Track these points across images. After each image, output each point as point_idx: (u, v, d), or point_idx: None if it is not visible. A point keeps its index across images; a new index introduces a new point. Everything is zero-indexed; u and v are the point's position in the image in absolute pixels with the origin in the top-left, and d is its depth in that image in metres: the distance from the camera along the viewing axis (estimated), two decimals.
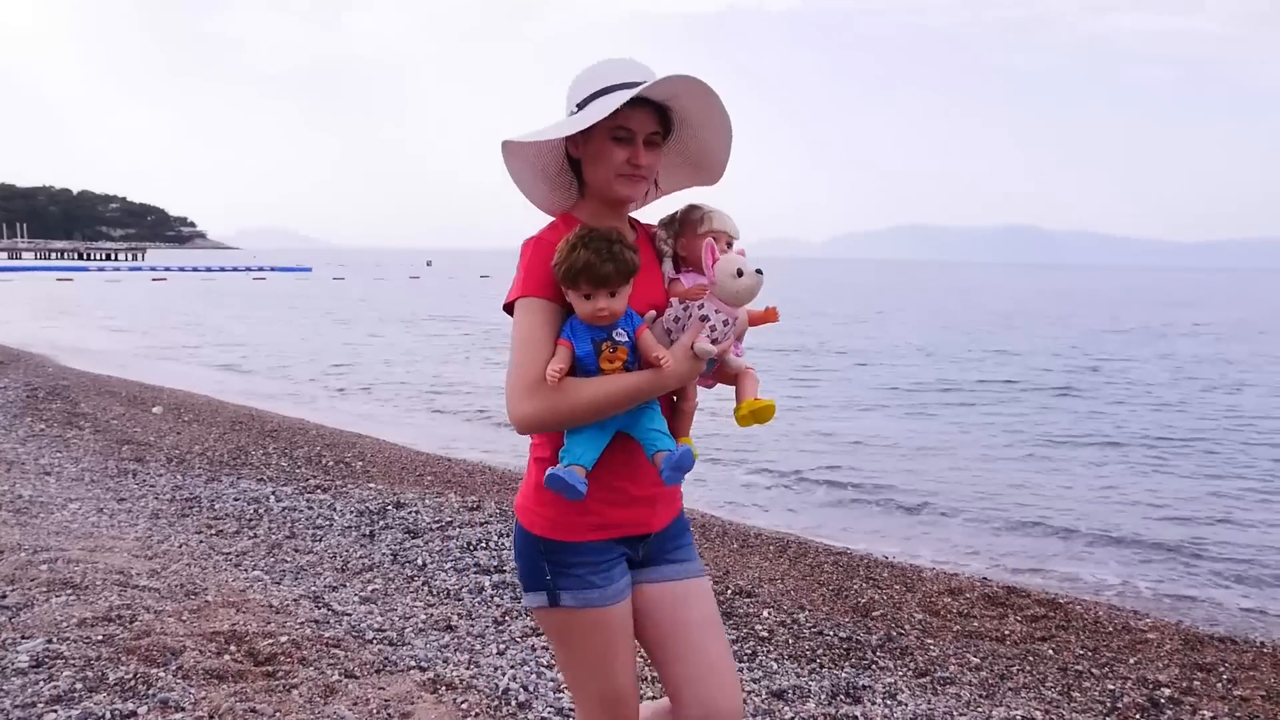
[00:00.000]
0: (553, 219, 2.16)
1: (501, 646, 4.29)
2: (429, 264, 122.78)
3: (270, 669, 3.75)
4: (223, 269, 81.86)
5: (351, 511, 6.58)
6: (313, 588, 4.97)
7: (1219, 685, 4.35)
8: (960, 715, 3.84)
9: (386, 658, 4.03)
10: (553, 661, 4.14)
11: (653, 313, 2.02)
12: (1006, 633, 4.90)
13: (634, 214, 2.27)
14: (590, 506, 1.98)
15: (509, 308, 2.01)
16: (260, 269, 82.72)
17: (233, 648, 3.90)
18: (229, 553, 5.57)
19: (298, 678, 3.65)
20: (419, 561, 5.52)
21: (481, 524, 6.32)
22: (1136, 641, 4.88)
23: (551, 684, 3.88)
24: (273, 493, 7.14)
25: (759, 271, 1.94)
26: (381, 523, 6.33)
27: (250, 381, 16.54)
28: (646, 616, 2.12)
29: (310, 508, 6.71)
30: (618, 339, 1.93)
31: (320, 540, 5.93)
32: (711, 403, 2.51)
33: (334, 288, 54.91)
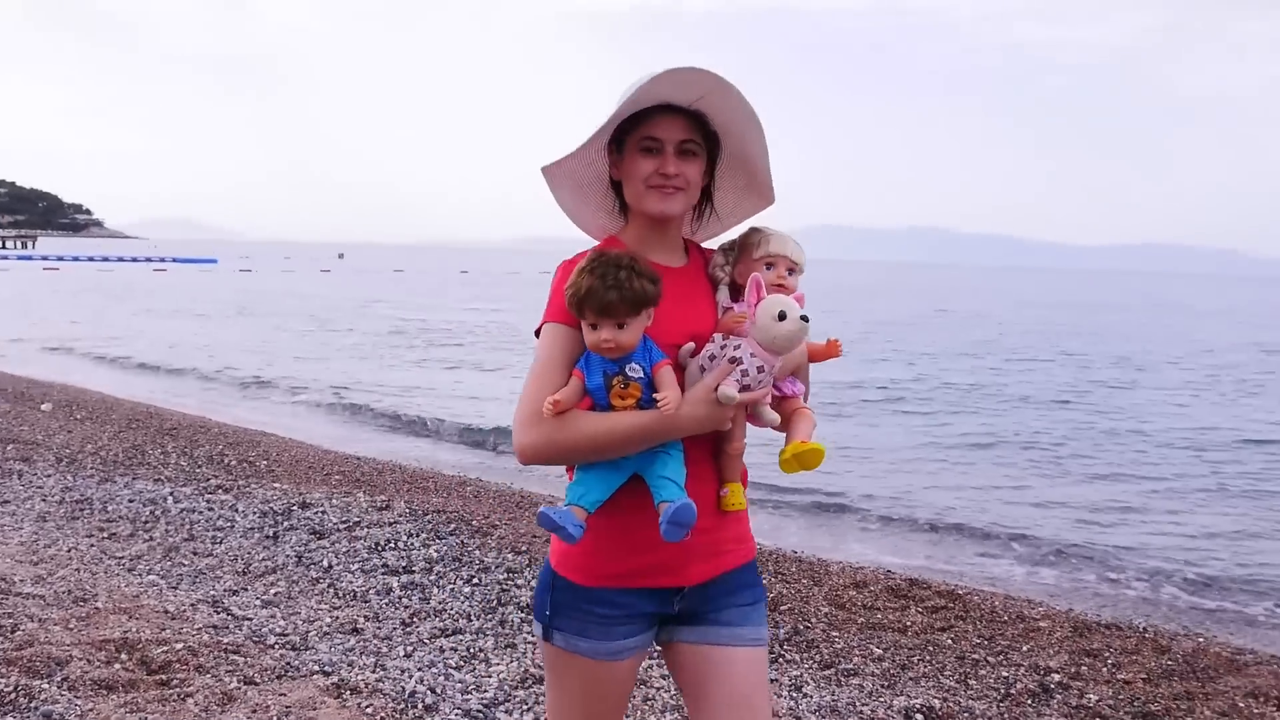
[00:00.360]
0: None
1: (409, 648, 4.23)
2: (340, 257, 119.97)
3: (164, 678, 3.62)
4: (121, 259, 78.54)
5: (254, 512, 6.40)
6: (211, 592, 4.82)
7: (1104, 669, 4.56)
8: (863, 705, 3.94)
9: (288, 663, 3.93)
10: (461, 663, 4.11)
11: (690, 345, 1.87)
12: (908, 624, 5.05)
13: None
14: (608, 551, 1.87)
15: (539, 332, 1.92)
16: (162, 260, 79.64)
17: (124, 656, 3.75)
18: (122, 557, 5.36)
19: (193, 686, 3.53)
20: (325, 563, 5.40)
21: (390, 524, 6.21)
22: (1030, 630, 5.08)
23: (459, 685, 3.84)
24: (171, 493, 6.88)
25: (804, 318, 1.78)
26: (286, 524, 6.16)
27: (148, 377, 15.92)
28: (680, 675, 2.00)
29: (211, 509, 6.49)
30: (630, 374, 1.79)
31: (221, 542, 5.74)
32: None
33: (240, 280, 53.20)
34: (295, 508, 6.54)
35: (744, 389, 1.79)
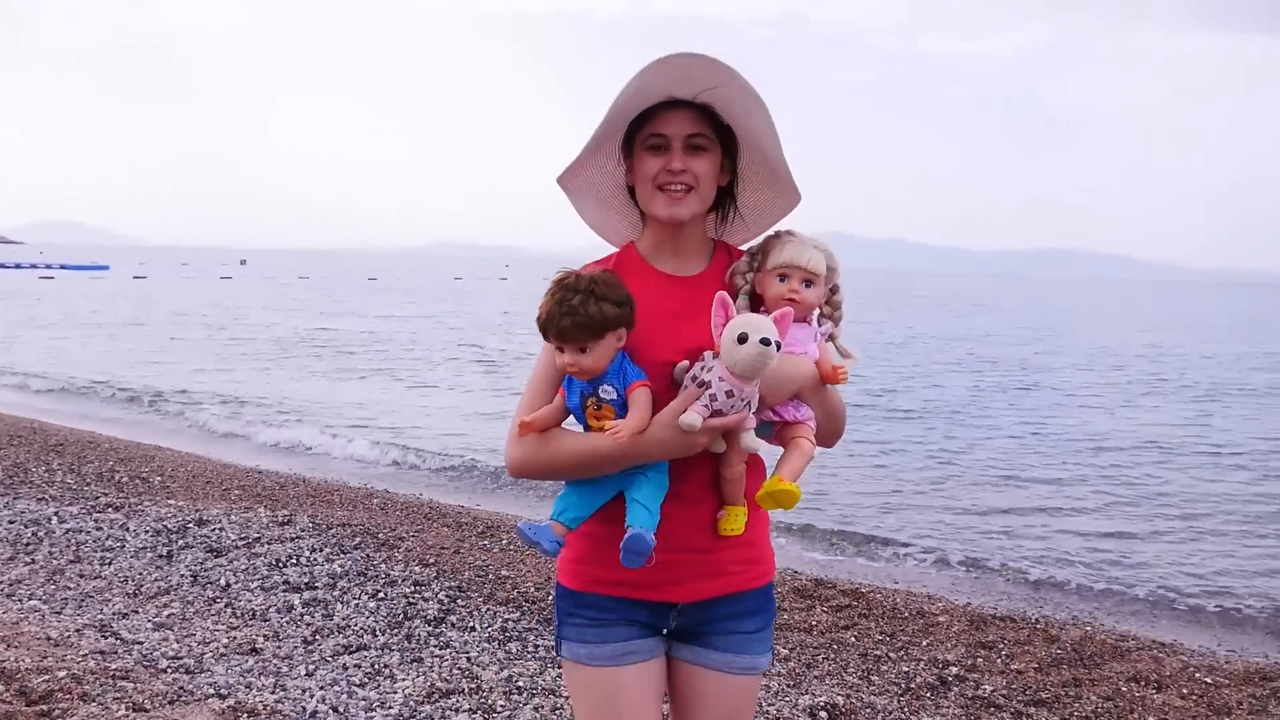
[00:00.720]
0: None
1: (310, 667, 4.12)
2: (243, 263, 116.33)
3: (44, 708, 3.45)
4: (3, 266, 74.46)
5: (147, 531, 6.14)
6: (99, 616, 4.61)
7: (999, 660, 4.74)
8: (769, 705, 4.00)
9: (182, 687, 3.79)
10: (365, 680, 4.02)
11: (684, 363, 1.81)
12: (814, 623, 5.15)
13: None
14: (598, 558, 1.87)
15: None
16: (48, 266, 75.75)
17: (0, 687, 3.56)
18: (0, 582, 5.08)
19: (77, 715, 3.38)
20: (222, 582, 5.22)
21: (293, 539, 6.04)
22: (929, 625, 5.24)
23: (363, 703, 3.77)
24: (55, 513, 6.55)
25: (765, 342, 1.65)
26: (181, 542, 5.93)
27: (32, 392, 15.13)
28: (671, 688, 1.98)
29: (99, 528, 6.20)
30: (603, 396, 1.78)
31: (110, 564, 5.50)
32: None
33: (135, 288, 51.03)
34: (191, 525, 6.31)
35: (716, 414, 1.72)
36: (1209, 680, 4.62)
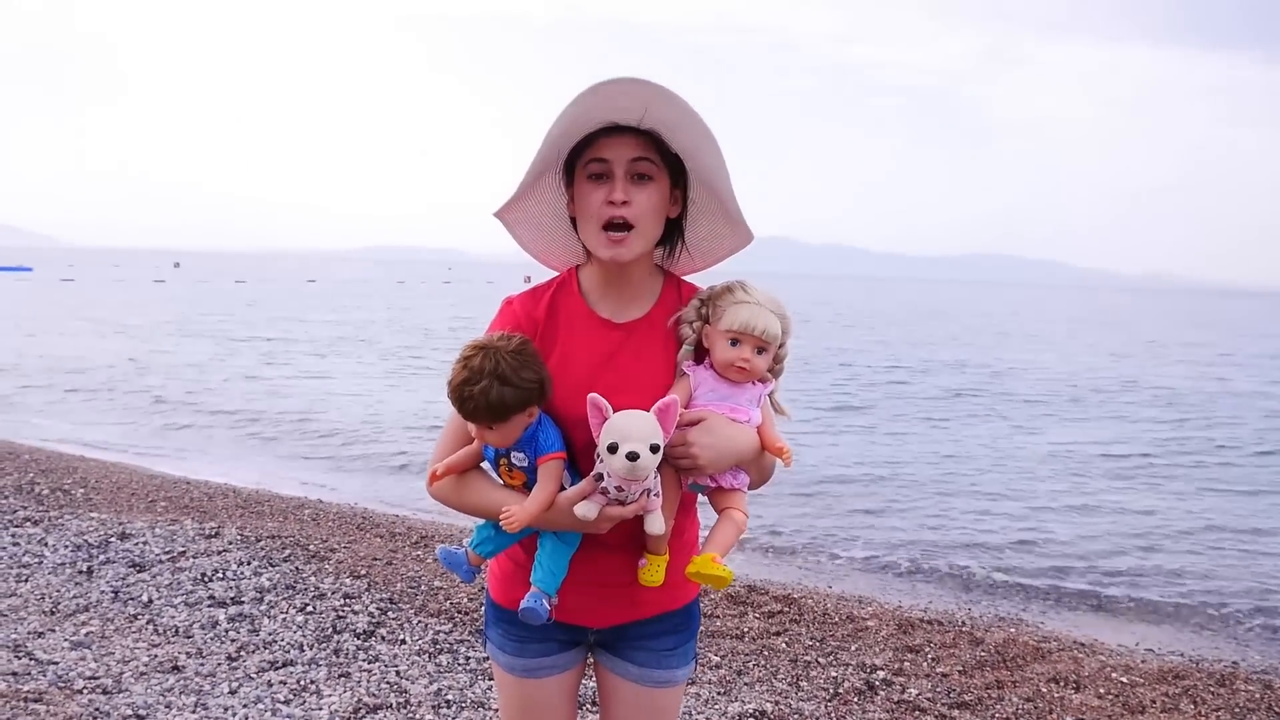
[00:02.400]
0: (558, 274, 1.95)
1: (234, 685, 4.04)
2: (176, 266, 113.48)
3: None
4: None
5: (66, 546, 5.96)
6: (13, 635, 4.46)
7: (924, 664, 4.84)
8: (699, 714, 4.03)
9: (98, 709, 3.69)
10: (290, 696, 3.96)
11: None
12: (745, 630, 5.20)
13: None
14: (518, 579, 1.88)
15: None
16: None
17: None
18: None
19: None
20: (144, 598, 5.08)
21: (219, 552, 5.92)
22: (859, 629, 5.33)
23: None
24: None
25: (632, 456, 1.61)
26: (102, 557, 5.77)
27: None
28: (597, 685, 2.05)
29: (15, 543, 6.00)
30: (515, 462, 1.77)
31: (26, 581, 5.32)
32: None
33: (60, 291, 49.41)
34: (114, 539, 6.13)
35: (616, 502, 1.71)
36: (1125, 680, 4.77)
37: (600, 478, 1.69)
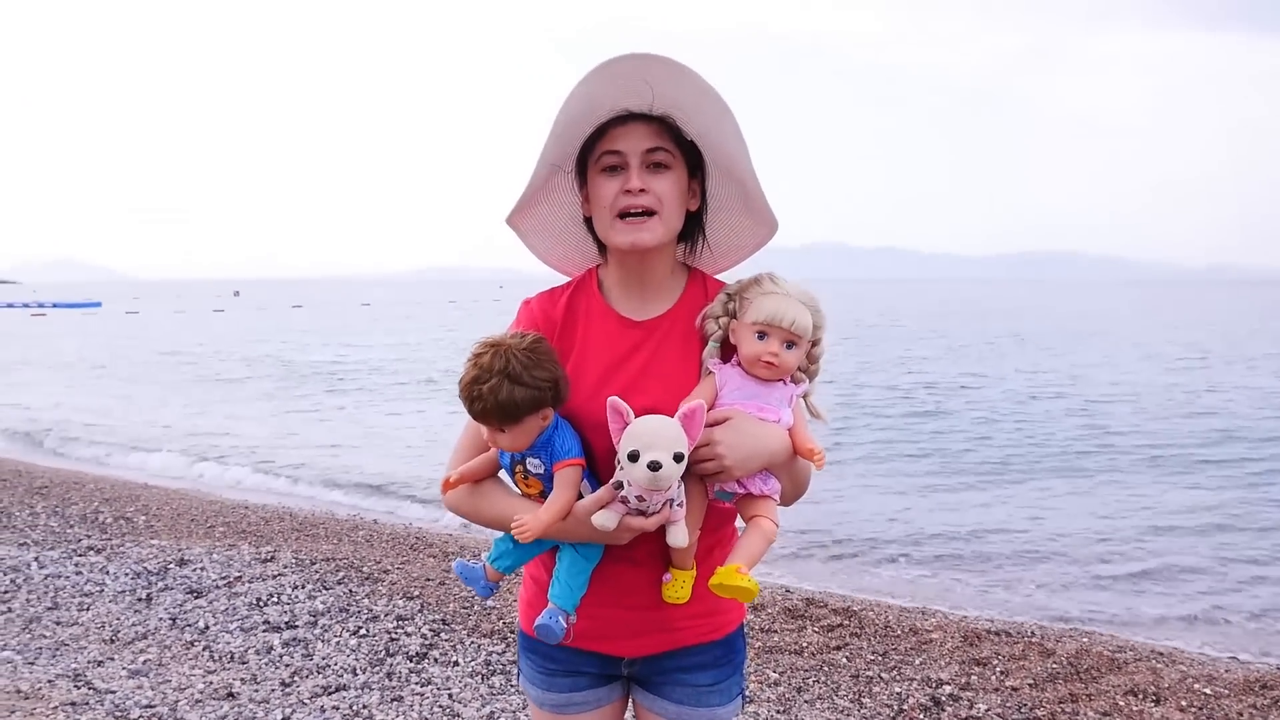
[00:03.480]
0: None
1: (287, 711, 4.02)
2: (236, 294, 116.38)
3: None
4: None
5: (127, 573, 6.04)
6: (73, 665, 4.51)
7: (993, 677, 4.65)
8: None
9: None
10: None
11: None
12: (805, 645, 5.05)
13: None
14: (541, 601, 1.77)
15: None
16: (40, 305, 75.68)
17: None
18: None
19: None
20: (200, 624, 5.11)
21: (274, 576, 5.95)
22: (922, 642, 5.15)
23: None
24: (35, 558, 6.45)
25: (654, 467, 1.51)
26: (161, 584, 5.83)
27: (18, 433, 15.00)
28: None
29: (79, 572, 6.10)
30: (531, 469, 1.68)
31: (87, 609, 5.39)
32: None
33: (126, 324, 50.92)
34: (172, 565, 6.21)
35: (637, 512, 1.60)
36: (1208, 691, 4.53)
37: (620, 485, 1.58)
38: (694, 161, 1.74)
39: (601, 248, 1.82)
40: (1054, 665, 4.82)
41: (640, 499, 1.58)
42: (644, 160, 1.66)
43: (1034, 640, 5.26)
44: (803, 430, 1.71)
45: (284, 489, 10.59)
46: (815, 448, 1.67)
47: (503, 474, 1.77)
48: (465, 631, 5.07)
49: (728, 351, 1.74)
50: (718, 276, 1.87)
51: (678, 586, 1.73)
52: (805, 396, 1.77)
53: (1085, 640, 5.39)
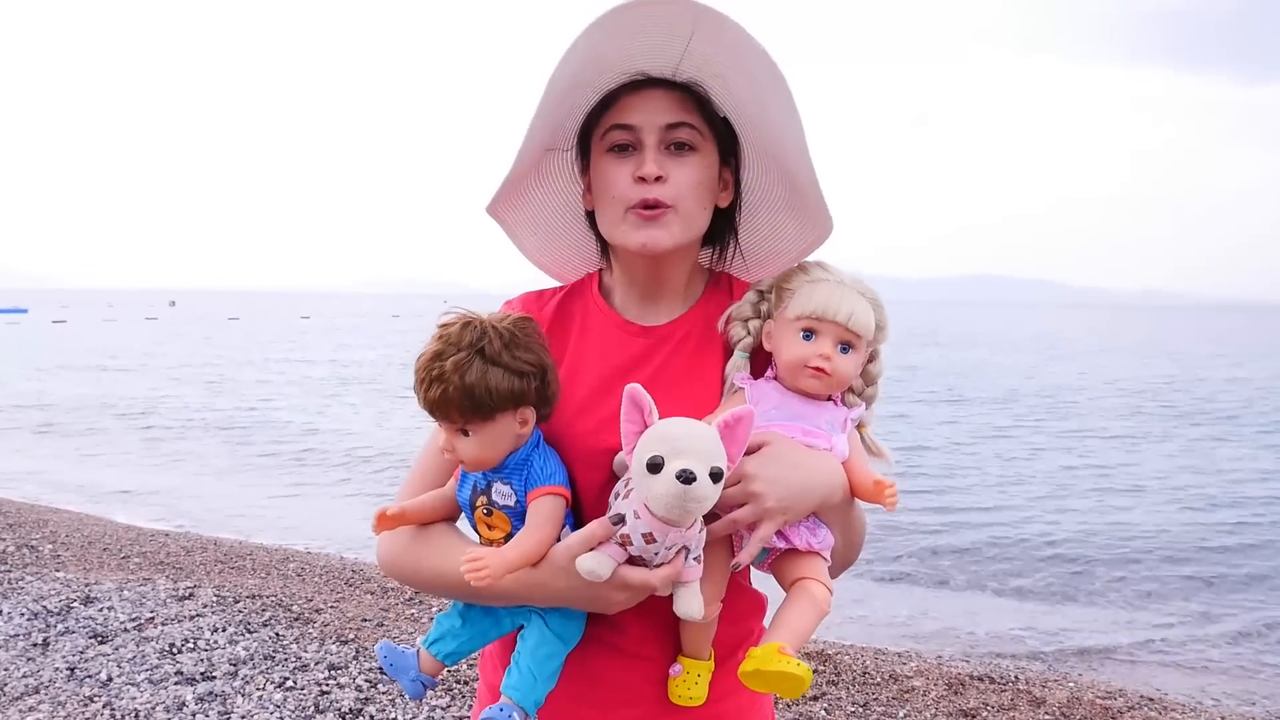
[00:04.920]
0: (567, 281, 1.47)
1: None
2: (172, 304, 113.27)
3: None
4: None
5: (23, 614, 5.39)
6: None
7: None
8: None
9: None
10: None
11: (619, 456, 1.24)
12: (778, 696, 4.65)
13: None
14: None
15: None
16: None
17: None
18: None
19: None
20: (103, 675, 4.52)
21: (192, 617, 5.36)
22: (904, 690, 4.78)
23: None
24: None
25: (685, 479, 1.08)
26: (61, 626, 5.21)
27: None
28: None
29: None
30: (496, 500, 1.24)
31: None
32: None
33: (52, 332, 48.88)
34: (76, 603, 5.57)
35: (639, 560, 1.17)
36: None
37: (620, 520, 1.16)
38: (727, 144, 1.35)
39: (604, 246, 1.42)
40: (1045, 716, 4.49)
41: (648, 538, 1.14)
42: (663, 139, 1.28)
43: (1021, 687, 4.92)
44: (862, 463, 1.30)
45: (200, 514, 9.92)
46: (882, 479, 1.25)
47: (463, 522, 1.34)
48: None
49: (758, 364, 1.33)
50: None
51: (689, 683, 1.30)
52: (860, 427, 1.35)
53: (1072, 686, 5.07)
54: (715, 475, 1.10)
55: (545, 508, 1.21)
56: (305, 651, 4.88)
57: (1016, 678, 5.13)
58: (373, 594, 6.19)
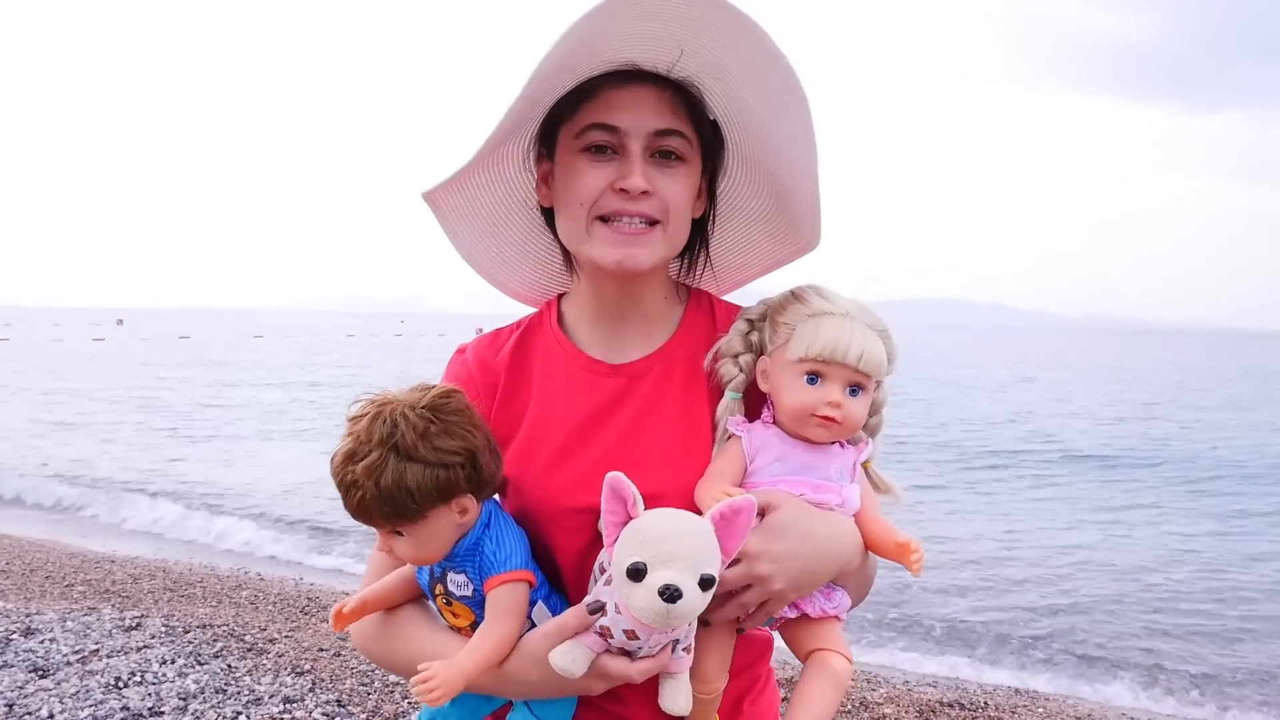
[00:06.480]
0: (528, 313, 1.33)
1: None
2: (120, 323, 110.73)
3: None
4: None
5: None
6: None
7: None
8: None
9: None
10: None
11: (601, 554, 1.15)
12: None
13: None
14: None
15: None
16: None
17: None
18: None
19: None
20: (44, 712, 4.29)
21: (140, 648, 5.14)
22: (875, 718, 4.71)
23: None
24: None
25: (669, 596, 0.98)
26: None
27: None
28: None
29: None
30: (454, 590, 1.14)
31: None
32: None
33: None
34: (15, 635, 5.32)
35: (620, 652, 1.08)
36: None
37: (599, 609, 1.07)
38: (710, 150, 1.24)
39: (567, 256, 1.28)
40: None
41: (630, 635, 1.04)
42: (650, 145, 1.15)
43: (991, 714, 4.89)
44: (877, 516, 1.20)
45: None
46: (909, 541, 1.15)
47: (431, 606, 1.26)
48: (364, 715, 4.40)
49: (750, 400, 1.22)
50: (726, 298, 1.37)
51: None
52: (865, 464, 1.26)
53: (1041, 711, 5.04)
54: (705, 583, 1.01)
55: (503, 599, 1.11)
56: (259, 684, 4.70)
57: (986, 703, 5.10)
58: (328, 622, 6.00)
